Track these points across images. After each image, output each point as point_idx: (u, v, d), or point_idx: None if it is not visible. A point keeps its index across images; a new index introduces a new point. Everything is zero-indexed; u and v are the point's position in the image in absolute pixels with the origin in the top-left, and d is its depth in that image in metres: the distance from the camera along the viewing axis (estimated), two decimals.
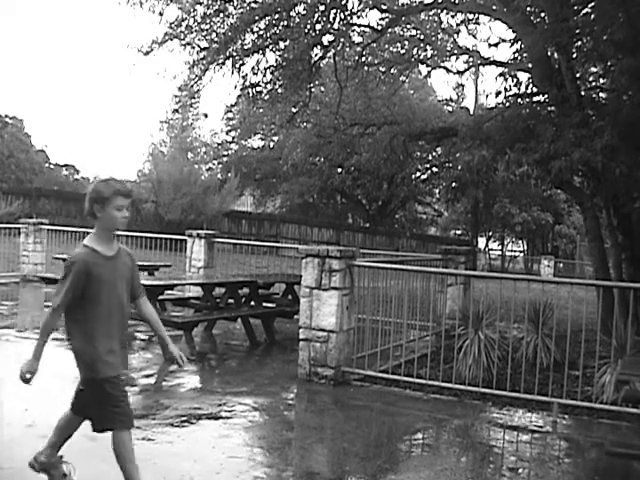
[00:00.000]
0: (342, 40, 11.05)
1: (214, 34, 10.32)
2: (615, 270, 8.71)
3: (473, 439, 5.01)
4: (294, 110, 14.41)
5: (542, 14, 8.68)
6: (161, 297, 8.01)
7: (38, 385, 3.36)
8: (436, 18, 12.55)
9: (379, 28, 11.42)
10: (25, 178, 32.16)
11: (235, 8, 10.12)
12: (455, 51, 12.93)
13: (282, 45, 10.46)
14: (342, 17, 10.33)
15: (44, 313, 3.23)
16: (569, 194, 11.95)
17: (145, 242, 12.41)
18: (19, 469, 3.62)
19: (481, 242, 34.57)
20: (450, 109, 26.88)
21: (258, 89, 11.30)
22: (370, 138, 16.00)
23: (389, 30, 11.83)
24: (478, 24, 12.59)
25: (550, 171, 7.59)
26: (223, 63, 10.62)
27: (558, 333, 6.12)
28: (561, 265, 31.98)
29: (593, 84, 10.14)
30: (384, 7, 10.86)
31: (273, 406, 5.49)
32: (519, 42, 9.83)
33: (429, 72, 15.31)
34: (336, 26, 10.36)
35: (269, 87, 11.23)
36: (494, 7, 9.95)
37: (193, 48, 10.65)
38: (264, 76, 11.02)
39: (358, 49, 12.39)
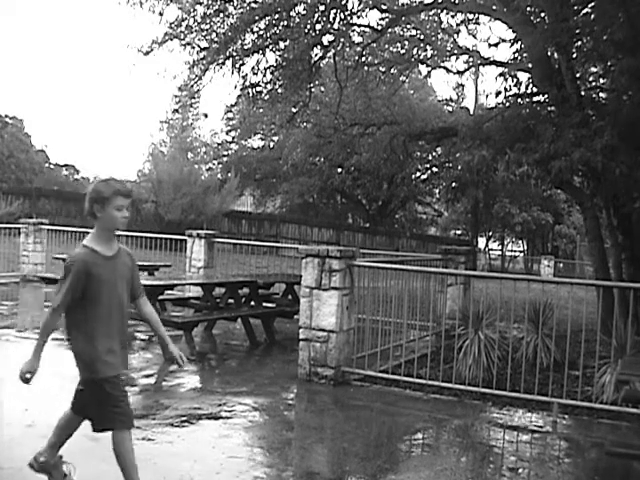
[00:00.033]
0: (342, 40, 11.05)
1: (214, 34, 10.32)
2: (615, 270, 8.71)
3: (473, 439, 5.01)
4: (294, 110, 14.42)
5: (542, 14, 8.68)
6: (161, 297, 8.01)
7: (38, 385, 3.36)
8: (436, 18, 12.55)
9: (379, 28, 11.42)
10: (25, 178, 32.16)
11: (235, 8, 10.12)
12: (455, 51, 12.93)
13: (282, 45, 10.46)
14: (342, 17, 10.33)
15: (44, 313, 3.23)
16: (569, 194, 11.95)
17: (145, 242, 12.41)
18: (19, 469, 3.62)
19: (481, 242, 34.59)
20: (450, 109, 26.88)
21: (258, 89, 11.30)
22: (370, 138, 16.00)
23: (389, 30, 11.83)
24: (478, 24, 12.61)
25: (550, 171, 7.59)
26: (223, 63, 10.63)
27: (558, 333, 6.12)
28: (561, 265, 31.98)
29: (593, 84, 10.14)
30: (384, 7, 10.86)
31: (273, 406, 5.49)
32: (519, 42, 9.84)
33: (429, 72, 15.32)
34: (336, 26, 10.36)
35: (269, 87, 11.23)
36: (494, 7, 9.95)
37: (193, 48, 10.65)
38: (264, 76, 11.03)
39: (358, 49, 12.39)
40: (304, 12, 9.84)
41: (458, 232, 37.07)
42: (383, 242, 29.93)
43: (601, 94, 9.94)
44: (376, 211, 33.44)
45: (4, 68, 62.18)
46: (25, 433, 4.36)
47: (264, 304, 9.06)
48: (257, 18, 9.87)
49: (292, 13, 9.93)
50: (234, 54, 10.47)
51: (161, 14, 10.29)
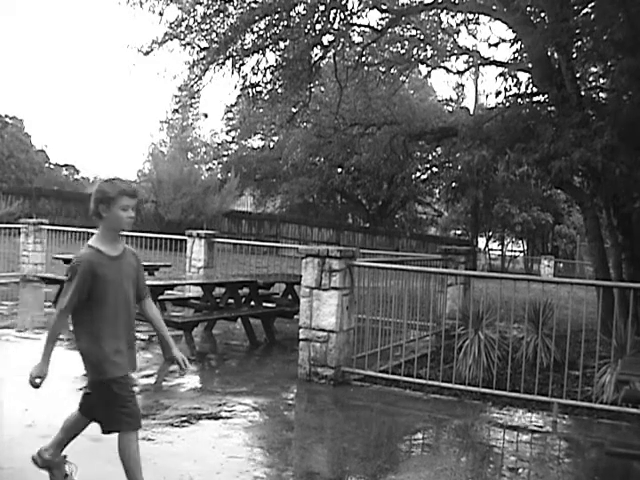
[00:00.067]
0: (342, 40, 11.05)
1: (214, 34, 10.32)
2: (615, 270, 8.71)
3: (473, 439, 5.01)
4: (294, 110, 14.42)
5: (542, 14, 8.68)
6: (161, 297, 8.01)
7: None
8: (436, 18, 12.55)
9: (379, 28, 11.42)
10: (25, 178, 32.19)
11: (235, 8, 10.12)
12: (455, 51, 12.93)
13: (282, 45, 10.46)
14: (342, 17, 10.33)
15: (51, 316, 3.22)
16: (569, 194, 11.95)
17: (145, 242, 12.41)
18: (19, 469, 3.62)
19: (481, 242, 34.59)
20: (450, 109, 26.87)
21: (258, 89, 11.30)
22: (370, 138, 16.00)
23: (389, 30, 11.83)
24: (478, 24, 12.61)
25: (550, 171, 7.60)
26: (223, 63, 10.63)
27: (558, 333, 6.12)
28: (561, 265, 31.98)
29: (593, 84, 10.14)
30: (384, 7, 10.86)
31: (273, 406, 5.49)
32: (519, 42, 9.84)
33: (429, 72, 15.32)
34: (336, 26, 10.36)
35: (269, 87, 11.23)
36: (494, 7, 9.95)
37: (193, 48, 10.65)
38: (264, 76, 11.03)
39: (358, 49, 12.39)
40: (304, 12, 9.85)
41: (458, 232, 37.07)
42: (383, 242, 29.93)
43: (601, 94, 9.95)
44: (376, 211, 33.44)
45: (4, 68, 62.25)
46: (25, 433, 4.35)
47: (264, 304, 9.06)
48: (257, 18, 9.88)
49: (292, 13, 9.93)
50: (234, 54, 10.47)
51: (161, 14, 10.31)
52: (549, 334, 6.66)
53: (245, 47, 10.41)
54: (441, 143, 15.30)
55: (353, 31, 11.69)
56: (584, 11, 8.41)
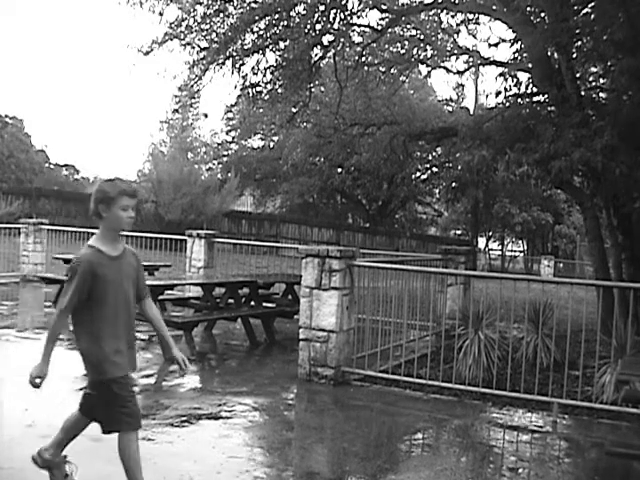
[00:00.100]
0: (342, 40, 11.05)
1: (214, 34, 10.32)
2: (615, 270, 8.71)
3: (473, 439, 5.01)
4: (294, 110, 14.42)
5: (542, 14, 8.68)
6: (161, 297, 8.01)
7: None
8: (436, 18, 12.55)
9: (379, 28, 11.42)
10: (25, 178, 32.19)
11: (235, 8, 10.12)
12: (455, 51, 12.93)
13: (282, 45, 10.46)
14: (342, 17, 10.33)
15: (51, 316, 3.22)
16: (569, 194, 11.95)
17: (145, 242, 12.41)
18: (19, 469, 3.62)
19: (481, 242, 34.58)
20: (450, 109, 26.87)
21: (258, 89, 11.30)
22: (370, 138, 16.00)
23: (389, 30, 11.83)
24: (478, 24, 12.61)
25: (550, 171, 7.59)
26: (223, 63, 10.62)
27: (558, 333, 6.12)
28: (561, 265, 31.98)
29: (593, 84, 10.14)
30: (384, 7, 10.86)
31: (273, 406, 5.49)
32: (519, 42, 9.84)
33: (429, 72, 15.32)
34: (336, 26, 10.36)
35: (269, 87, 11.23)
36: (494, 7, 9.95)
37: (193, 48, 10.65)
38: (264, 76, 11.03)
39: (358, 49, 12.39)
40: (304, 12, 9.85)
41: (458, 232, 37.07)
42: (383, 242, 29.93)
43: (601, 94, 9.95)
44: (376, 211, 33.44)
45: (4, 68, 62.25)
46: (25, 433, 4.35)
47: (264, 304, 9.06)
48: (257, 18, 9.88)
49: (292, 13, 9.93)
50: (234, 54, 10.47)
51: (161, 14, 10.31)
52: (549, 334, 6.66)
53: (245, 47, 10.41)
54: (441, 143, 15.30)
55: (353, 31, 11.69)
56: (584, 11, 8.42)
